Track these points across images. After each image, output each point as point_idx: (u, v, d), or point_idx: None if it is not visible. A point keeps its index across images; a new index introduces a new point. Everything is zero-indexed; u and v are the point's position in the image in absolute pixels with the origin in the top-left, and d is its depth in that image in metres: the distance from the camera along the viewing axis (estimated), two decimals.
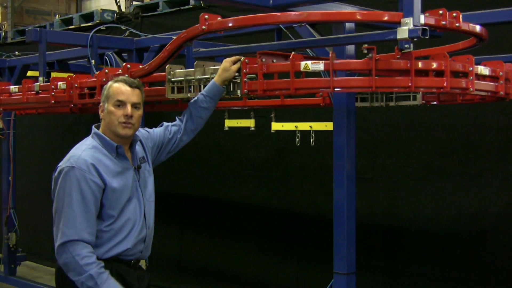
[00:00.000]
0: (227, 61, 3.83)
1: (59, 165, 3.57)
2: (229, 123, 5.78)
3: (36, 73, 6.58)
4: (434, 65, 3.35)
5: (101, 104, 3.67)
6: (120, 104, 3.59)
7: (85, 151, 3.54)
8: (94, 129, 3.69)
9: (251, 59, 3.71)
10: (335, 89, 3.42)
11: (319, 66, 3.44)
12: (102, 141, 3.62)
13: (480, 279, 5.74)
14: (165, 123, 4.08)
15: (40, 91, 5.59)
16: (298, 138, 5.19)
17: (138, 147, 3.79)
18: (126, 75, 4.33)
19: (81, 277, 3.38)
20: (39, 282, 8.28)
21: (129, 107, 3.60)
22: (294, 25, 4.45)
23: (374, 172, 6.34)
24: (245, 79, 3.70)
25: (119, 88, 3.63)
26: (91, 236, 3.46)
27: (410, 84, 3.28)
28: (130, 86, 3.65)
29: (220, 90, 3.89)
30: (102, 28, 6.32)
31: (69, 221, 3.42)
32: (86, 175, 3.45)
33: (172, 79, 4.23)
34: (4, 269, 8.36)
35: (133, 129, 3.63)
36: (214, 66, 4.04)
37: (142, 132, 3.93)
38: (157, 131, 4.03)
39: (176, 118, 4.08)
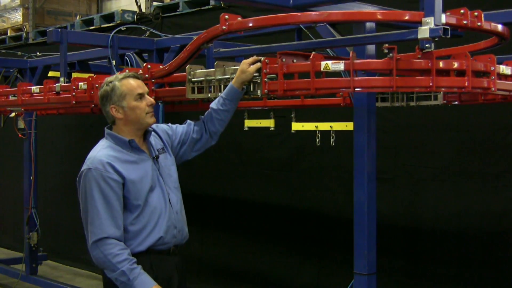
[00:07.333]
0: (244, 63, 3.82)
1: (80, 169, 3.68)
2: (249, 123, 5.78)
3: (57, 74, 6.64)
4: (456, 65, 3.32)
5: (112, 105, 3.70)
6: (141, 96, 3.70)
7: (100, 151, 3.66)
8: (106, 130, 3.80)
9: (272, 59, 3.69)
10: (356, 89, 3.40)
11: (340, 66, 3.42)
12: (114, 139, 3.72)
13: (502, 280, 5.69)
14: (188, 121, 4.12)
15: (61, 92, 5.61)
16: (318, 138, 5.19)
17: (154, 138, 3.87)
18: (137, 72, 4.35)
19: (115, 274, 3.50)
20: (60, 281, 8.33)
21: (148, 96, 3.74)
22: (314, 25, 4.44)
23: (394, 172, 6.31)
24: (266, 79, 3.69)
25: (132, 83, 3.73)
26: (119, 231, 3.56)
27: (431, 84, 3.26)
28: (138, 78, 3.79)
29: (238, 92, 3.88)
30: (122, 29, 6.32)
31: (94, 220, 3.54)
32: (103, 173, 3.55)
33: (193, 79, 4.23)
34: (26, 269, 8.41)
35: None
36: (234, 66, 4.03)
37: (162, 126, 4.03)
38: (180, 127, 4.08)
39: (200, 117, 4.10)
